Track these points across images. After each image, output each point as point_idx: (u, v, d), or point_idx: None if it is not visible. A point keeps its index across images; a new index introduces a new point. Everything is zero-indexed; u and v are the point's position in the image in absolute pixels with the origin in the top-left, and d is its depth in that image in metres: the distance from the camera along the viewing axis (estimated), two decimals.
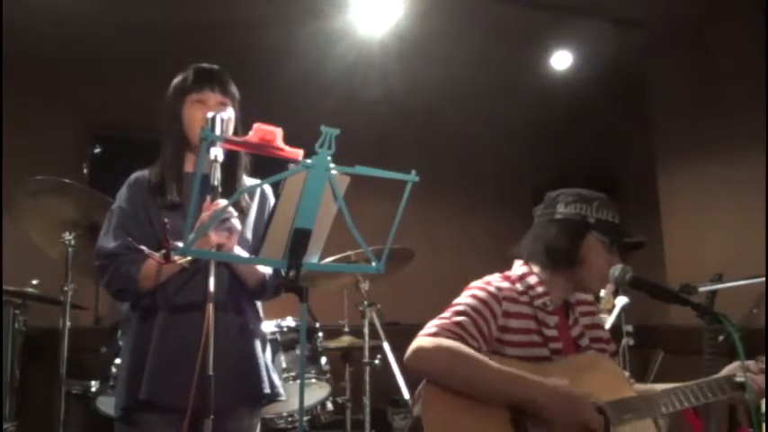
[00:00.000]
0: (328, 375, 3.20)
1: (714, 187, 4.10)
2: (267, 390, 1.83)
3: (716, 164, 4.10)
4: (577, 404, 1.62)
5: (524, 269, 1.85)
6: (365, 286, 3.38)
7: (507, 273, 1.86)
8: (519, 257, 1.89)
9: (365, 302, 3.35)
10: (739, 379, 1.77)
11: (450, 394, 1.62)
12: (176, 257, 1.67)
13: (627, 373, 2.05)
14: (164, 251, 1.67)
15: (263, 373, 1.84)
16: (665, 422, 3.04)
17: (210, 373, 1.55)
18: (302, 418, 1.80)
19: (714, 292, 3.11)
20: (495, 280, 1.81)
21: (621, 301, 3.07)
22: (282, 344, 3.05)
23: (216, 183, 1.66)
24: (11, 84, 4.11)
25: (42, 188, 2.69)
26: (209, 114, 1.75)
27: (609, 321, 2.98)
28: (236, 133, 1.89)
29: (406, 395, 2.92)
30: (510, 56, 4.60)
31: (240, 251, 1.78)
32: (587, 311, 1.93)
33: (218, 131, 1.72)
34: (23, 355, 3.29)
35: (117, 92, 4.42)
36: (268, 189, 2.00)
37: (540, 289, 1.80)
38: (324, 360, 3.21)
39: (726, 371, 1.82)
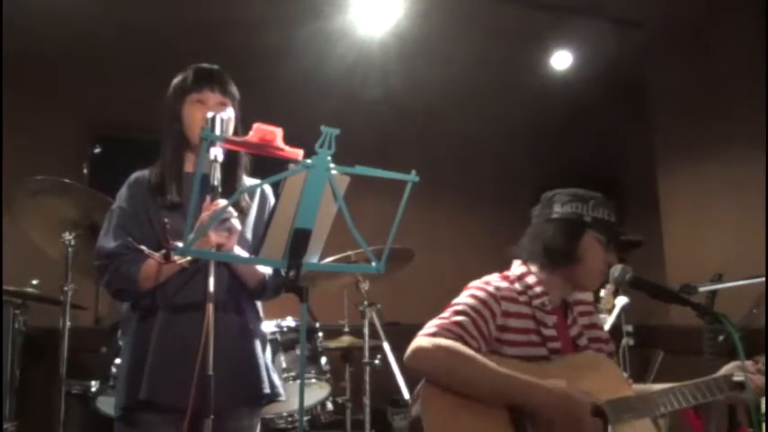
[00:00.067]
0: (328, 375, 3.20)
1: (714, 187, 4.10)
2: (267, 390, 1.83)
3: (716, 164, 4.10)
4: (575, 407, 1.62)
5: (523, 269, 1.86)
6: (365, 286, 3.38)
7: (506, 273, 1.87)
8: (517, 258, 1.90)
9: (365, 302, 3.35)
10: (737, 378, 1.78)
11: (450, 394, 1.62)
12: (176, 257, 1.67)
13: (625, 374, 2.05)
14: (164, 251, 1.67)
15: (263, 373, 1.84)
16: (665, 422, 3.05)
17: (210, 373, 1.55)
18: (302, 418, 1.80)
19: (714, 292, 3.11)
20: (493, 280, 1.82)
21: (621, 301, 3.07)
22: (282, 344, 3.05)
23: (216, 183, 1.66)
24: (11, 84, 4.11)
25: (42, 188, 2.69)
26: (209, 114, 1.75)
27: (609, 321, 2.98)
28: (236, 133, 1.89)
29: (406, 395, 2.91)
30: (510, 56, 4.60)
31: (240, 251, 1.78)
32: (585, 311, 1.94)
33: (217, 131, 1.72)
34: (23, 355, 3.29)
35: (117, 92, 4.42)
36: (268, 189, 2.00)
37: (538, 289, 1.81)
38: (324, 360, 3.21)
39: (724, 371, 1.84)
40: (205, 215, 1.62)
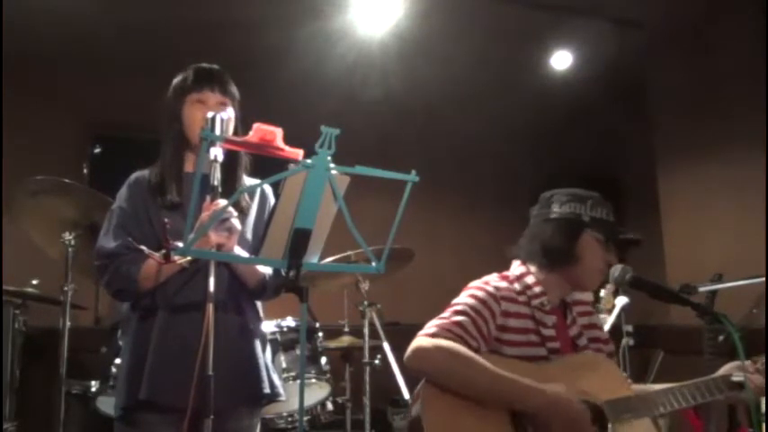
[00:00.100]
0: (328, 375, 3.19)
1: (714, 187, 4.09)
2: (267, 390, 1.83)
3: (716, 164, 4.09)
4: (573, 413, 1.62)
5: (522, 269, 1.86)
6: (365, 286, 3.38)
7: (505, 273, 1.88)
8: (516, 258, 1.90)
9: (365, 302, 3.35)
10: (736, 378, 1.78)
11: (450, 395, 1.63)
12: (176, 257, 1.67)
13: (625, 374, 2.05)
14: (164, 251, 1.67)
15: (263, 374, 1.84)
16: (665, 422, 3.05)
17: (210, 373, 1.55)
18: (302, 418, 1.80)
19: (714, 292, 3.11)
20: (493, 280, 1.82)
21: (621, 301, 3.06)
22: (282, 344, 3.05)
23: (216, 183, 1.66)
24: (11, 84, 4.11)
25: (42, 188, 2.69)
26: (209, 114, 1.75)
27: (609, 321, 2.98)
28: (236, 133, 1.89)
29: (406, 395, 2.91)
30: (510, 56, 4.60)
31: (240, 251, 1.78)
32: (585, 311, 1.94)
33: (217, 131, 1.72)
34: (23, 355, 3.29)
35: (117, 92, 4.42)
36: (268, 189, 2.00)
37: (537, 289, 1.82)
38: (324, 360, 3.21)
39: (723, 371, 1.84)
40: (205, 215, 1.62)
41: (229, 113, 1.85)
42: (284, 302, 1.93)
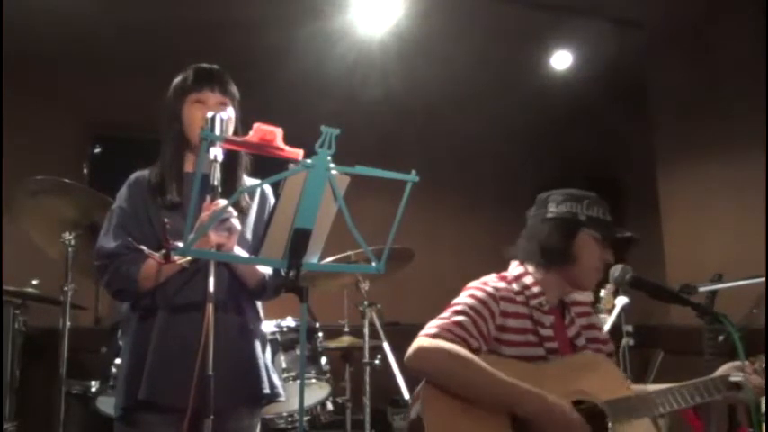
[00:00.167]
0: (328, 375, 3.19)
1: (714, 187, 4.09)
2: (267, 390, 1.83)
3: (716, 164, 4.09)
4: (569, 426, 1.62)
5: (520, 269, 1.87)
6: (365, 286, 3.38)
7: (503, 273, 1.88)
8: (514, 258, 1.91)
9: (365, 302, 3.35)
10: (734, 379, 1.79)
11: (450, 395, 1.63)
12: (176, 257, 1.67)
13: (624, 375, 2.05)
14: (164, 251, 1.66)
15: (263, 374, 1.84)
16: (665, 422, 3.05)
17: (210, 373, 1.55)
18: (302, 418, 1.80)
19: (714, 292, 3.11)
20: (491, 280, 1.83)
21: (621, 301, 3.06)
22: (282, 344, 3.05)
23: (216, 183, 1.66)
24: (11, 84, 4.11)
25: (42, 188, 2.69)
26: (209, 114, 1.74)
27: (609, 321, 2.98)
28: (236, 133, 1.89)
29: (406, 395, 2.91)
30: (510, 56, 4.60)
31: (240, 251, 1.78)
32: (583, 312, 1.94)
33: (217, 131, 1.72)
34: (23, 355, 3.29)
35: (117, 92, 4.42)
36: (268, 189, 2.00)
37: (535, 289, 1.82)
38: (324, 360, 3.21)
39: (721, 371, 1.85)
40: (205, 215, 1.62)
41: (229, 113, 1.85)
42: (284, 302, 1.93)
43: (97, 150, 4.54)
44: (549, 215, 1.84)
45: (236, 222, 1.69)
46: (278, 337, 3.03)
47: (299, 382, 2.16)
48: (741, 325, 2.02)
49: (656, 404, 1.77)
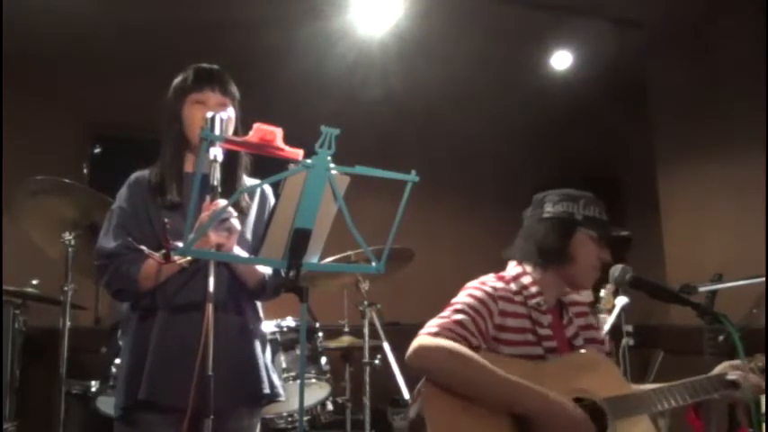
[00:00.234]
0: (328, 375, 3.19)
1: (714, 187, 4.09)
2: (267, 390, 1.83)
3: (716, 164, 4.09)
4: (571, 421, 1.62)
5: (518, 269, 1.88)
6: (365, 286, 3.38)
7: (501, 273, 1.89)
8: (512, 259, 1.91)
9: (365, 302, 3.35)
10: (731, 377, 1.81)
11: (451, 394, 1.63)
12: (176, 257, 1.67)
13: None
14: (164, 251, 1.67)
15: (263, 374, 1.84)
16: (665, 422, 3.05)
17: (210, 373, 1.55)
18: (302, 418, 1.80)
19: (714, 292, 3.11)
20: (489, 280, 1.84)
21: (621, 301, 3.06)
22: (282, 344, 3.04)
23: (215, 183, 1.66)
24: (11, 84, 4.11)
25: (42, 188, 2.69)
26: (209, 114, 1.74)
27: (609, 321, 2.98)
28: (236, 133, 1.89)
29: (406, 395, 2.91)
30: (510, 56, 4.60)
31: (240, 251, 1.78)
32: (581, 312, 1.95)
33: (217, 131, 1.72)
34: (23, 355, 3.29)
35: (117, 92, 4.43)
36: (268, 189, 2.00)
37: (533, 289, 1.83)
38: (324, 360, 3.21)
39: (717, 369, 1.87)
40: (205, 215, 1.62)
41: (229, 113, 1.85)
42: (284, 302, 1.93)
43: (97, 150, 4.54)
44: (546, 215, 1.85)
45: (235, 222, 1.68)
46: (278, 337, 3.03)
47: (299, 382, 2.16)
48: (741, 325, 2.02)
49: (654, 402, 1.78)
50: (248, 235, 1.89)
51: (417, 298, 4.25)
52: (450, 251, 5.21)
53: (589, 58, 4.60)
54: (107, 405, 2.76)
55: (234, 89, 1.92)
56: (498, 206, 5.33)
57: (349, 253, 3.15)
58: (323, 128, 1.36)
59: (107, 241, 1.81)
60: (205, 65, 1.92)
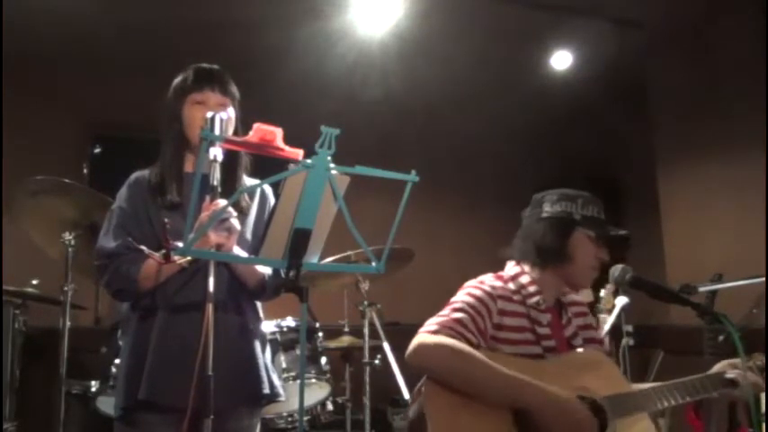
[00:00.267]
0: (328, 375, 3.19)
1: (714, 187, 4.09)
2: (267, 390, 1.83)
3: (716, 164, 4.09)
4: (574, 416, 1.63)
5: (516, 269, 1.88)
6: (365, 286, 3.38)
7: (500, 273, 1.89)
8: (511, 258, 1.92)
9: (365, 302, 3.35)
10: (729, 375, 1.83)
11: (452, 391, 1.63)
12: (176, 257, 1.67)
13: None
14: (164, 251, 1.67)
15: (263, 374, 1.84)
16: (665, 422, 3.05)
17: (210, 373, 1.55)
18: (302, 418, 1.80)
19: (714, 292, 3.11)
20: (488, 279, 1.84)
21: (621, 301, 3.06)
22: (282, 344, 3.04)
23: (215, 183, 1.66)
24: (11, 84, 4.11)
25: (42, 188, 2.69)
26: (209, 114, 1.74)
27: (609, 321, 2.98)
28: (236, 133, 1.89)
29: (406, 395, 2.91)
30: (510, 56, 4.60)
31: (240, 251, 1.78)
32: (580, 312, 1.96)
33: (217, 131, 1.72)
34: (23, 355, 3.29)
35: (117, 92, 4.42)
36: (268, 189, 2.00)
37: (532, 288, 1.83)
38: (324, 360, 3.21)
39: (716, 368, 1.89)
40: (205, 215, 1.62)
41: (229, 113, 1.85)
42: (284, 302, 1.93)
43: (97, 150, 4.54)
44: (544, 215, 1.86)
45: (235, 222, 1.68)
46: (278, 337, 3.03)
47: (299, 382, 2.16)
48: (741, 325, 2.02)
49: (654, 400, 1.79)
50: (248, 235, 1.89)
51: (417, 298, 4.25)
52: (450, 251, 5.21)
53: (589, 58, 4.60)
54: (107, 405, 2.76)
55: (234, 89, 1.92)
56: (498, 206, 5.33)
57: (349, 253, 3.15)
58: (323, 128, 1.36)
59: (107, 241, 1.81)
60: (205, 65, 1.92)
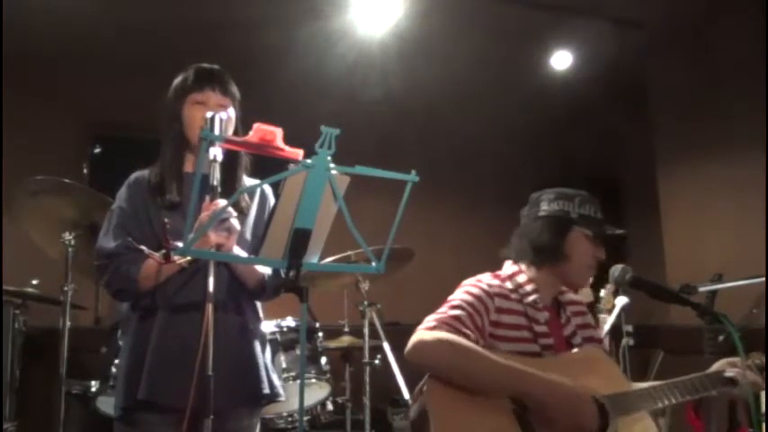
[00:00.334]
0: (328, 375, 3.19)
1: (714, 187, 4.10)
2: (266, 390, 1.83)
3: (716, 164, 4.09)
4: (577, 403, 1.63)
5: (514, 268, 1.89)
6: (365, 286, 3.38)
7: (497, 272, 1.90)
8: (508, 258, 1.92)
9: (365, 302, 3.35)
10: (728, 374, 1.84)
11: (454, 388, 1.63)
12: (176, 257, 1.67)
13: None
14: (164, 251, 1.67)
15: (263, 374, 1.84)
16: (665, 422, 3.05)
17: (210, 373, 1.55)
18: (302, 418, 1.80)
19: (714, 292, 3.11)
20: (485, 278, 1.85)
21: (621, 301, 3.06)
22: (282, 344, 3.04)
23: (215, 183, 1.66)
24: (11, 84, 4.11)
25: (42, 188, 2.69)
26: (208, 114, 1.74)
27: (609, 321, 2.98)
28: (236, 133, 1.89)
29: (406, 395, 2.91)
30: (510, 56, 4.60)
31: (239, 251, 1.78)
32: (579, 311, 1.96)
33: (216, 131, 1.72)
34: (23, 355, 3.29)
35: (117, 92, 4.42)
36: (268, 189, 2.00)
37: (529, 287, 1.84)
38: (324, 360, 3.21)
39: (715, 367, 1.89)
40: (205, 215, 1.62)
41: (229, 113, 1.85)
42: (284, 302, 1.93)
43: (97, 150, 4.55)
44: (541, 213, 1.86)
45: (235, 222, 1.68)
46: (278, 337, 3.02)
47: (299, 382, 2.16)
48: (741, 325, 2.02)
49: (654, 399, 1.80)
50: (248, 235, 1.89)
51: (417, 298, 4.24)
52: (450, 251, 5.21)
53: (589, 58, 4.60)
54: (107, 405, 2.76)
55: (234, 89, 1.92)
56: (498, 206, 5.32)
57: (349, 253, 3.15)
58: (323, 128, 1.36)
59: (107, 241, 1.81)
60: (205, 65, 1.92)
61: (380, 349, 3.20)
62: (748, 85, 3.83)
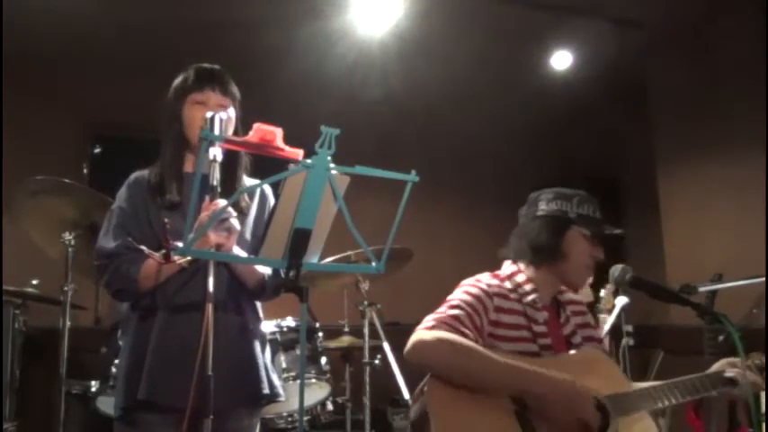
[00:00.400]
0: (328, 375, 3.19)
1: (714, 187, 4.10)
2: (266, 390, 1.83)
3: (716, 164, 4.09)
4: (578, 399, 1.63)
5: (513, 268, 1.89)
6: (365, 286, 3.38)
7: (496, 272, 1.90)
8: (507, 258, 1.93)
9: (365, 302, 3.35)
10: (728, 374, 1.84)
11: (454, 387, 1.63)
12: (176, 257, 1.67)
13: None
14: (164, 251, 1.66)
15: (263, 374, 1.84)
16: (665, 422, 3.05)
17: (210, 373, 1.55)
18: (302, 418, 1.80)
19: (714, 292, 3.11)
20: (484, 278, 1.85)
21: (621, 301, 3.06)
22: (282, 344, 3.04)
23: (215, 183, 1.66)
24: (11, 84, 4.11)
25: (42, 188, 2.69)
26: (208, 114, 1.74)
27: (609, 321, 2.98)
28: (236, 133, 1.89)
29: (406, 395, 2.91)
30: (510, 56, 4.60)
31: (239, 251, 1.78)
32: (578, 311, 1.96)
33: (216, 131, 1.72)
34: (23, 355, 3.29)
35: (117, 92, 4.42)
36: (268, 189, 2.00)
37: (528, 287, 1.84)
38: (324, 360, 3.21)
39: (715, 367, 1.90)
40: (204, 215, 1.62)
41: (229, 113, 1.85)
42: (284, 302, 1.93)
43: (97, 150, 4.55)
44: (539, 213, 1.87)
45: (235, 222, 1.68)
46: (278, 337, 3.02)
47: (299, 382, 2.16)
48: (741, 325, 2.02)
49: (654, 399, 1.80)
50: (248, 235, 1.89)
51: (417, 298, 4.23)
52: (449, 251, 5.21)
53: (589, 58, 4.60)
54: (107, 405, 2.76)
55: (234, 89, 1.92)
56: (498, 206, 5.30)
57: (349, 253, 3.15)
58: (323, 128, 1.36)
59: (107, 241, 1.81)
60: (206, 65, 1.92)
61: (380, 349, 3.20)
62: (748, 85, 3.83)
